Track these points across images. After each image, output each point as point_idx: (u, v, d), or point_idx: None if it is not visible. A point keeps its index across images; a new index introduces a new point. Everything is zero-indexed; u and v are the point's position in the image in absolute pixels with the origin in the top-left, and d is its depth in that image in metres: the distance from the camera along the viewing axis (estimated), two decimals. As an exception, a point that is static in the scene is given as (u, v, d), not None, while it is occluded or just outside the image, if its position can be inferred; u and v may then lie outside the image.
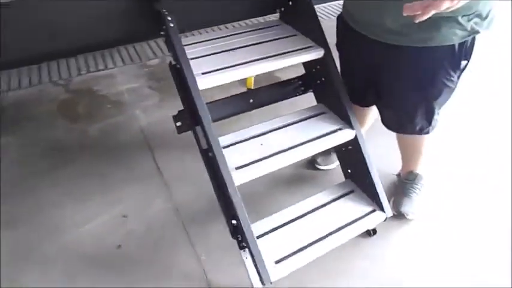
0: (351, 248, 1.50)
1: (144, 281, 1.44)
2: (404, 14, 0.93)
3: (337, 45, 1.55)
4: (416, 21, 0.94)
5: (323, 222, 1.41)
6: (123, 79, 2.54)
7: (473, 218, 1.70)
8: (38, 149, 2.00)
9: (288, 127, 1.48)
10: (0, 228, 1.60)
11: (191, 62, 1.31)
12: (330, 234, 1.37)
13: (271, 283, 1.23)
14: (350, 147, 1.51)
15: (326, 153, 1.84)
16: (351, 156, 1.54)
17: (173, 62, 1.41)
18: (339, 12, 1.55)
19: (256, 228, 1.35)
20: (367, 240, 1.57)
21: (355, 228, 1.41)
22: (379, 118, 1.59)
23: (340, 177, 1.75)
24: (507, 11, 2.86)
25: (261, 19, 2.01)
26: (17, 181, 1.82)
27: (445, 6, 0.90)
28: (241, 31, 1.58)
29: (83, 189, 1.79)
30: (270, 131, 1.46)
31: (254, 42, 1.50)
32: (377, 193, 1.46)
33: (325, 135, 1.44)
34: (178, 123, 1.44)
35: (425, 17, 0.92)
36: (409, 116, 1.44)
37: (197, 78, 1.28)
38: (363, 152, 1.46)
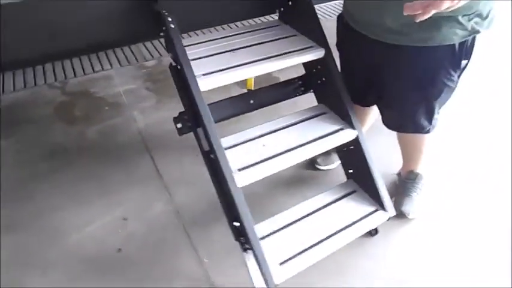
0: (353, 247, 1.49)
1: (145, 284, 1.43)
2: (405, 14, 0.93)
3: (337, 45, 1.55)
4: (417, 20, 0.93)
5: (326, 222, 1.41)
6: (120, 81, 2.52)
7: (474, 217, 1.70)
8: (36, 152, 1.97)
9: (289, 128, 1.47)
10: (0, 233, 1.58)
11: (191, 63, 1.30)
12: (334, 234, 1.36)
13: (275, 285, 1.23)
14: (351, 147, 1.51)
15: (326, 153, 1.83)
16: (353, 156, 1.54)
17: (173, 63, 1.39)
18: (338, 12, 1.54)
19: (259, 229, 1.35)
20: (368, 240, 1.57)
21: (359, 228, 1.41)
22: (379, 118, 1.59)
23: (341, 177, 1.75)
24: (507, 10, 2.87)
25: (258, 20, 2.01)
26: (15, 185, 1.80)
27: (445, 6, 0.90)
28: (240, 32, 1.58)
29: (83, 192, 1.78)
30: (272, 132, 1.45)
31: (254, 42, 1.49)
32: (379, 193, 1.46)
33: (327, 135, 1.43)
34: (179, 125, 1.42)
35: (425, 17, 0.92)
36: (410, 115, 1.45)
37: (198, 80, 1.27)
38: (365, 152, 1.46)
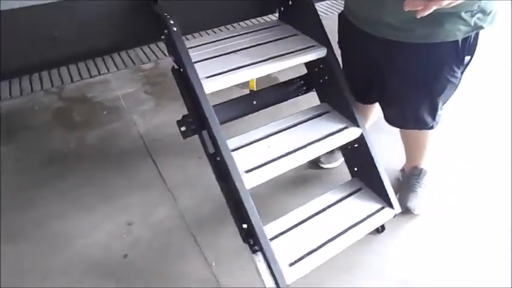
0: (360, 244, 1.49)
1: (154, 289, 1.42)
2: (406, 10, 0.93)
3: (339, 43, 1.55)
4: (418, 16, 0.93)
5: (334, 221, 1.41)
6: (117, 84, 2.50)
7: (477, 213, 1.71)
8: (36, 159, 1.95)
9: (293, 128, 1.47)
10: (0, 241, 1.56)
11: (195, 66, 1.29)
12: (342, 233, 1.37)
13: (287, 285, 1.22)
14: (356, 145, 1.51)
15: (329, 151, 1.83)
16: (357, 154, 1.54)
17: (176, 66, 1.38)
18: (338, 9, 1.54)
19: (268, 230, 1.34)
20: (375, 237, 1.57)
21: (366, 226, 1.41)
22: (381, 115, 1.59)
23: (344, 175, 1.75)
24: (507, 11, 2.87)
25: (256, 21, 2.00)
26: (16, 192, 1.78)
27: (446, 2, 0.90)
28: (241, 32, 1.57)
29: (84, 198, 1.76)
30: (276, 133, 1.45)
31: (256, 43, 1.48)
32: (385, 190, 1.47)
33: (331, 134, 1.43)
34: (183, 128, 1.41)
35: (426, 13, 0.92)
36: (413, 111, 1.45)
37: (202, 82, 1.26)
38: (370, 150, 1.47)
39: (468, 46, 1.26)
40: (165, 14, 1.27)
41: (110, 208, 1.72)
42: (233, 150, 1.34)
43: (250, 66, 1.36)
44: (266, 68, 1.37)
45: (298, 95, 1.66)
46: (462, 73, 1.34)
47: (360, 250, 1.51)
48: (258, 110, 1.58)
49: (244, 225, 1.28)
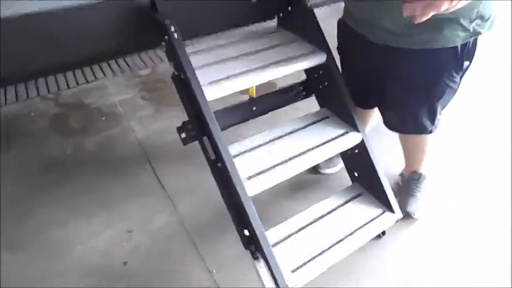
0: (362, 249, 1.50)
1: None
2: (404, 15, 0.93)
3: (338, 48, 1.56)
4: (416, 22, 0.94)
5: (335, 227, 1.41)
6: (114, 90, 2.49)
7: (476, 216, 1.72)
8: (34, 167, 1.93)
9: (294, 133, 1.47)
10: (0, 250, 1.54)
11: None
12: (344, 239, 1.37)
13: (289, 291, 1.22)
14: (356, 150, 1.52)
15: (328, 156, 1.84)
16: (358, 159, 1.54)
17: (176, 73, 1.38)
18: (337, 15, 1.55)
19: (269, 237, 1.33)
20: (376, 241, 1.57)
21: (368, 232, 1.42)
22: (380, 120, 1.60)
23: (343, 180, 1.75)
24: (507, 11, 2.90)
25: (254, 27, 2.00)
26: (14, 200, 1.76)
27: (444, 7, 0.91)
28: (240, 38, 1.57)
29: (84, 206, 1.74)
30: (277, 139, 1.44)
31: (256, 49, 1.48)
32: (386, 195, 1.47)
33: (332, 139, 1.44)
34: (183, 135, 1.40)
35: (424, 18, 0.92)
36: (413, 116, 1.45)
37: (204, 88, 1.26)
38: (370, 155, 1.47)
39: (467, 51, 1.27)
40: (166, 21, 1.27)
41: (109, 215, 1.70)
42: (234, 157, 1.34)
43: (251, 72, 1.36)
44: (267, 75, 1.37)
45: (297, 101, 1.66)
46: (461, 78, 1.35)
47: (362, 255, 1.51)
48: (257, 116, 1.59)
49: (246, 232, 1.28)
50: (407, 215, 1.64)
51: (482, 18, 1.20)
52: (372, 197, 1.53)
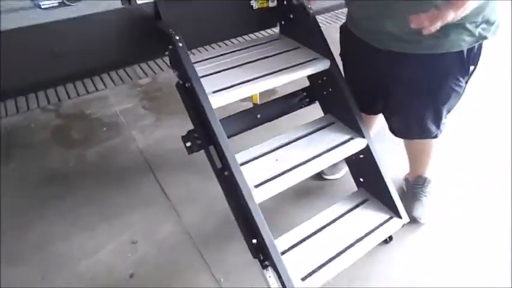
0: (369, 254, 1.48)
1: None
2: (412, 27, 0.94)
3: (341, 54, 1.56)
4: (424, 33, 0.94)
5: (343, 233, 1.40)
6: (115, 100, 2.49)
7: (481, 221, 1.71)
8: (35, 179, 1.91)
9: (300, 140, 1.46)
10: (0, 264, 1.52)
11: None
12: (352, 245, 1.36)
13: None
14: (361, 156, 1.51)
15: (332, 162, 1.83)
16: (363, 164, 1.54)
17: (180, 82, 1.37)
18: (339, 20, 1.55)
19: (278, 245, 1.32)
20: (382, 246, 1.56)
21: (376, 237, 1.41)
22: (384, 125, 1.60)
23: (348, 186, 1.75)
24: (507, 11, 2.91)
25: (254, 35, 2.01)
26: (15, 213, 1.74)
27: (450, 18, 0.92)
28: (243, 47, 1.57)
29: (86, 218, 1.73)
30: (283, 146, 1.44)
31: (259, 57, 1.48)
32: (392, 200, 1.47)
33: (338, 146, 1.43)
34: (188, 144, 1.40)
35: (433, 30, 0.93)
36: (418, 120, 1.45)
37: (209, 97, 1.25)
38: (376, 160, 1.47)
39: (472, 56, 1.27)
40: (171, 30, 1.27)
41: (113, 227, 1.69)
42: (241, 165, 1.33)
43: (256, 80, 1.36)
44: (271, 82, 1.37)
45: (301, 107, 1.66)
46: (466, 82, 1.36)
47: (369, 260, 1.50)
48: (262, 124, 1.58)
49: (254, 241, 1.27)
50: (413, 220, 1.63)
51: (488, 22, 1.20)
52: (378, 203, 1.52)
